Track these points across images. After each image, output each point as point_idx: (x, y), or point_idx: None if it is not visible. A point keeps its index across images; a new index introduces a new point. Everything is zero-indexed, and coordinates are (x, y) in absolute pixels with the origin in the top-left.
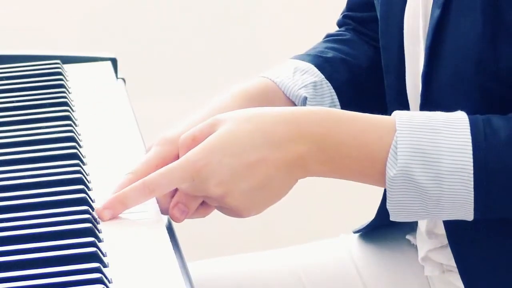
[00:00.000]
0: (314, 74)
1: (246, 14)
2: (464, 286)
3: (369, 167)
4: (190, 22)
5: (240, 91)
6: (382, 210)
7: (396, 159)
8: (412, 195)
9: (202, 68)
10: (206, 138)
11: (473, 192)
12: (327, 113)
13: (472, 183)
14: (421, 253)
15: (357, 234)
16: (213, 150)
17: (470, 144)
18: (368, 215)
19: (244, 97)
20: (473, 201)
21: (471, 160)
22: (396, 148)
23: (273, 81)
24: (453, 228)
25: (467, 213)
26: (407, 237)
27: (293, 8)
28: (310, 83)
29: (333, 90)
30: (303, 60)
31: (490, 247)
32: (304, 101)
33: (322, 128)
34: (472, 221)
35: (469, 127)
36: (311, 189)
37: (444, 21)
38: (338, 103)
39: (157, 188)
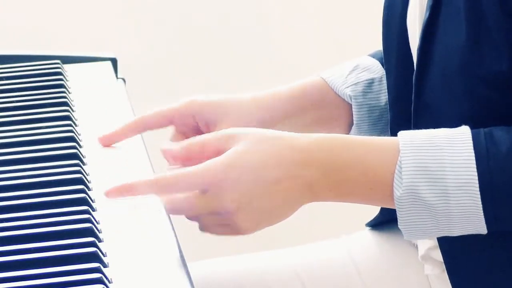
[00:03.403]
0: (375, 71)
1: (247, 15)
2: (452, 285)
3: (376, 190)
4: (191, 22)
5: (287, 89)
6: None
7: (402, 179)
8: (422, 213)
9: (202, 68)
10: (214, 150)
11: (481, 206)
12: (333, 140)
13: (479, 196)
14: (421, 251)
15: (357, 235)
16: (233, 165)
17: (474, 158)
18: (369, 216)
19: (290, 95)
20: (483, 214)
21: (476, 174)
22: (401, 168)
23: (325, 80)
24: None
25: (479, 227)
26: None
27: (297, 10)
28: (364, 81)
29: None
30: (373, 56)
31: (479, 248)
32: (350, 98)
33: (328, 154)
34: None
35: (471, 142)
36: None
37: (434, 24)
38: None
39: (169, 188)
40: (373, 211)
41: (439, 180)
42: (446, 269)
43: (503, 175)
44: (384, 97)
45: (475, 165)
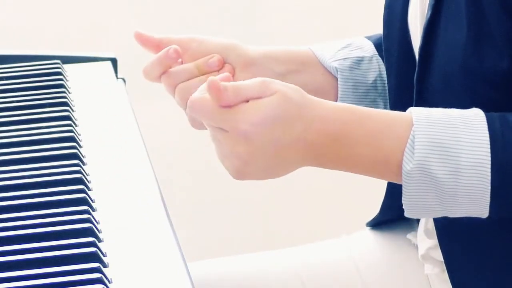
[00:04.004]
0: (367, 51)
1: (248, 14)
2: (452, 285)
3: (384, 164)
4: (191, 22)
5: (284, 49)
6: (386, 205)
7: (413, 153)
8: (428, 189)
9: None
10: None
11: (489, 188)
12: (344, 110)
13: (490, 178)
14: (421, 250)
15: (358, 235)
16: (263, 123)
17: (488, 140)
18: (369, 216)
19: (284, 55)
20: (489, 197)
21: (489, 155)
22: (414, 142)
23: (313, 52)
24: (443, 227)
25: (482, 210)
26: (408, 236)
27: (297, 9)
28: (354, 57)
29: (383, 67)
30: (369, 38)
31: (479, 247)
32: (336, 71)
33: (342, 127)
34: (462, 221)
35: (486, 123)
36: (312, 190)
37: (435, 23)
38: (385, 78)
39: (196, 113)
40: (374, 211)
41: (454, 157)
42: (446, 269)
43: None
44: (372, 76)
45: (489, 146)
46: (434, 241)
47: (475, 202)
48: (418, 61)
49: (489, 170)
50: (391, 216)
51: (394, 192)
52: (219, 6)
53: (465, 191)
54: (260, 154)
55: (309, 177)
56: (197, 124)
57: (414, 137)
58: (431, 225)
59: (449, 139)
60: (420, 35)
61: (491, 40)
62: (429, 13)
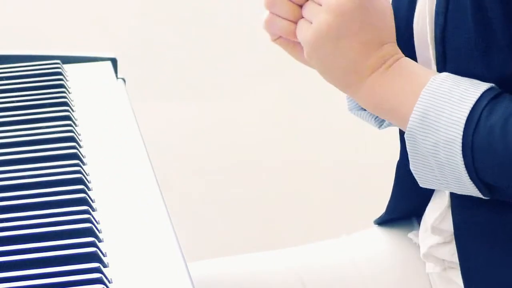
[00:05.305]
0: None
1: (248, 15)
2: (464, 284)
3: (401, 114)
4: (191, 22)
5: None
6: (391, 205)
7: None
8: (420, 157)
9: (202, 67)
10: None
11: (464, 166)
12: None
13: (461, 157)
14: (423, 249)
15: (358, 234)
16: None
17: (465, 119)
18: (370, 215)
19: None
20: (467, 174)
21: (461, 135)
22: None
23: None
24: (461, 225)
25: (471, 188)
26: (409, 235)
27: None
28: None
29: None
30: None
31: (495, 247)
32: None
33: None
34: (479, 220)
35: (474, 103)
36: (312, 190)
37: (444, 29)
38: None
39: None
40: (374, 211)
41: (434, 131)
42: (460, 265)
43: (482, 143)
44: None
45: (463, 126)
46: (439, 238)
47: (459, 178)
48: (438, 67)
49: (460, 149)
50: (397, 216)
51: (398, 195)
52: (219, 6)
53: (448, 165)
54: (338, 31)
55: (309, 177)
56: (275, 26)
57: (416, 106)
58: (439, 221)
59: (435, 113)
60: (430, 38)
61: (496, 45)
62: (442, 18)
